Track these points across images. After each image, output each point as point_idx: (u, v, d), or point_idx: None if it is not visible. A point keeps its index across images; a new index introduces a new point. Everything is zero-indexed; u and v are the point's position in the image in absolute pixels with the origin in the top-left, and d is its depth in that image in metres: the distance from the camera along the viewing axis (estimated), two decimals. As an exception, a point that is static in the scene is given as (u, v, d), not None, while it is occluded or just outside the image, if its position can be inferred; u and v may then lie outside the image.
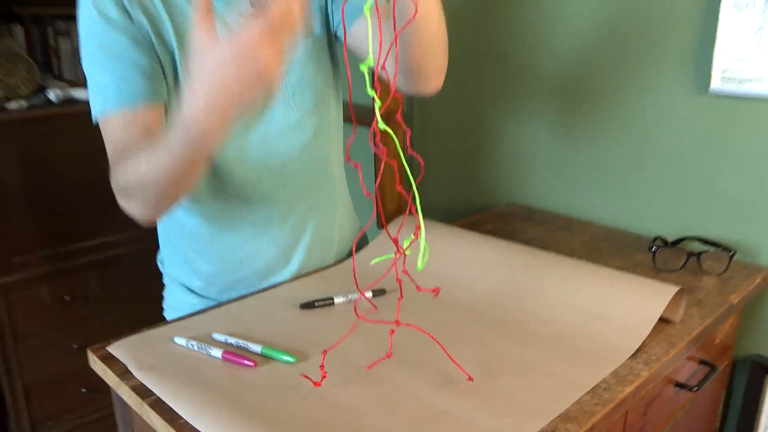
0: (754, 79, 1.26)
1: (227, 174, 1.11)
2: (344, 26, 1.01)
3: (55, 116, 2.02)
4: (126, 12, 0.97)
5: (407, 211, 0.81)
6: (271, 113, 1.11)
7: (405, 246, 0.78)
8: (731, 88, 1.29)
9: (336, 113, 1.24)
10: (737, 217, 1.36)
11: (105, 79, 0.97)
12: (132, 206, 0.95)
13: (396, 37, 0.78)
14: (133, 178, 0.90)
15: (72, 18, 2.26)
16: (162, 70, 1.02)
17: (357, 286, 0.97)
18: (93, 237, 2.13)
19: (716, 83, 1.31)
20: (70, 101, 2.08)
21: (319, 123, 1.18)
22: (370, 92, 0.71)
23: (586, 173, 1.59)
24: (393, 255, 0.81)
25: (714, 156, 1.37)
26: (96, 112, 0.99)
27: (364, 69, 0.71)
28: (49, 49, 2.23)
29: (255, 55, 0.71)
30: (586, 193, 1.60)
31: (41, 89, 2.09)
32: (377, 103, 0.72)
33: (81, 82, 2.25)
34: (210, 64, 0.74)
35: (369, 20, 0.72)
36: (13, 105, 1.95)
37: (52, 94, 2.04)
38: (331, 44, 1.20)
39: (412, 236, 0.78)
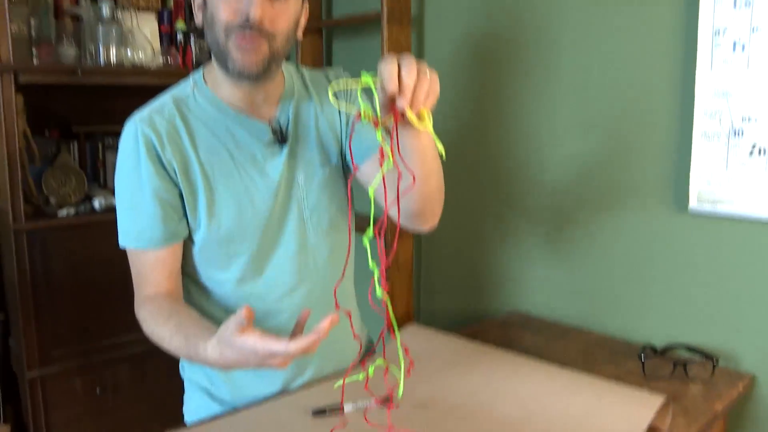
0: (725, 200, 1.39)
1: (245, 294, 1.23)
2: (353, 161, 1.20)
3: (97, 223, 2.21)
4: (159, 159, 1.14)
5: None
6: (289, 234, 1.24)
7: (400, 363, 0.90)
8: (707, 208, 1.42)
9: (348, 240, 1.33)
10: (719, 325, 1.46)
11: (127, 220, 1.17)
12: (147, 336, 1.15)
13: (398, 199, 0.92)
14: (147, 330, 1.14)
15: (118, 134, 2.49)
16: (183, 207, 1.18)
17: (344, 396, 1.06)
18: (126, 333, 2.26)
19: (693, 203, 1.44)
20: (113, 209, 2.27)
21: (333, 244, 1.30)
22: (371, 265, 0.87)
23: (580, 285, 1.71)
24: (395, 365, 0.92)
25: (695, 269, 1.48)
26: (120, 241, 1.18)
27: (366, 242, 0.87)
28: (97, 162, 2.46)
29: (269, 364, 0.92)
30: (581, 303, 1.71)
31: (88, 197, 2.30)
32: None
33: (124, 190, 2.46)
34: (232, 360, 0.93)
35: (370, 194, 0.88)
36: (63, 212, 2.15)
37: (97, 203, 2.24)
38: (346, 173, 1.33)
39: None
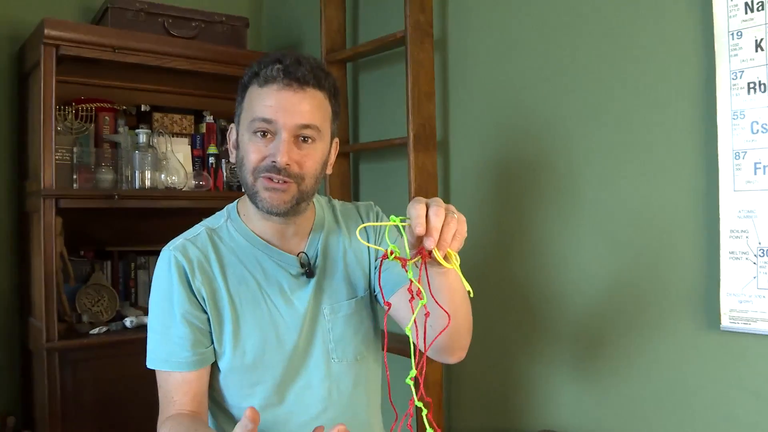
0: (759, 319, 1.40)
1: (269, 421, 1.24)
2: (382, 292, 1.24)
3: (127, 341, 2.22)
4: (189, 285, 1.20)
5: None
6: (314, 365, 1.26)
7: None
8: (740, 326, 1.43)
9: (374, 366, 1.37)
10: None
11: (158, 343, 1.20)
12: None
13: (425, 337, 0.94)
14: None
15: (150, 253, 2.56)
16: (210, 333, 1.22)
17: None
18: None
19: (726, 322, 1.45)
20: (143, 327, 2.30)
21: (358, 374, 1.32)
22: (417, 403, 0.89)
23: (611, 405, 1.69)
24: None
25: (729, 388, 1.48)
26: (148, 362, 1.22)
27: (409, 381, 0.89)
28: (129, 281, 2.51)
29: None
30: (613, 422, 1.69)
31: (120, 315, 2.33)
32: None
33: (153, 309, 2.50)
34: None
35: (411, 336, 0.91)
36: (94, 330, 2.18)
37: (128, 321, 2.27)
38: (372, 303, 1.37)
39: None
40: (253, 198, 1.19)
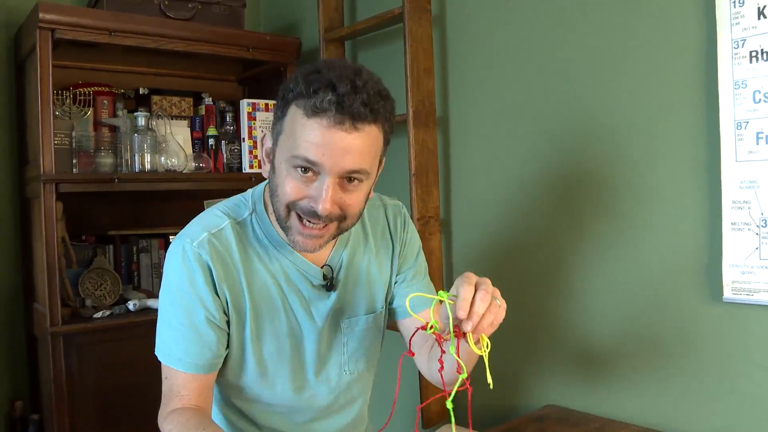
0: (761, 290, 1.40)
1: (272, 419, 1.25)
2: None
3: (131, 324, 2.23)
4: (213, 285, 1.12)
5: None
6: (326, 375, 1.25)
7: None
8: (742, 298, 1.43)
9: (373, 371, 1.37)
10: (757, 414, 1.43)
11: (175, 340, 1.13)
12: None
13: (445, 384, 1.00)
14: None
15: (152, 236, 2.56)
16: (228, 336, 1.16)
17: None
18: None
19: (728, 294, 1.45)
20: (146, 310, 2.30)
21: (366, 383, 1.34)
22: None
23: (613, 378, 1.69)
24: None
25: (732, 359, 1.47)
26: (159, 353, 1.15)
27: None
28: (131, 264, 2.51)
29: None
30: (619, 396, 1.69)
31: (123, 299, 2.34)
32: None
33: (156, 292, 2.50)
34: None
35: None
36: (98, 314, 2.18)
37: (131, 304, 2.27)
38: (386, 317, 1.35)
39: None
40: (285, 231, 1.11)
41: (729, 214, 1.44)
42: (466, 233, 2.10)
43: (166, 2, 2.37)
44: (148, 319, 2.24)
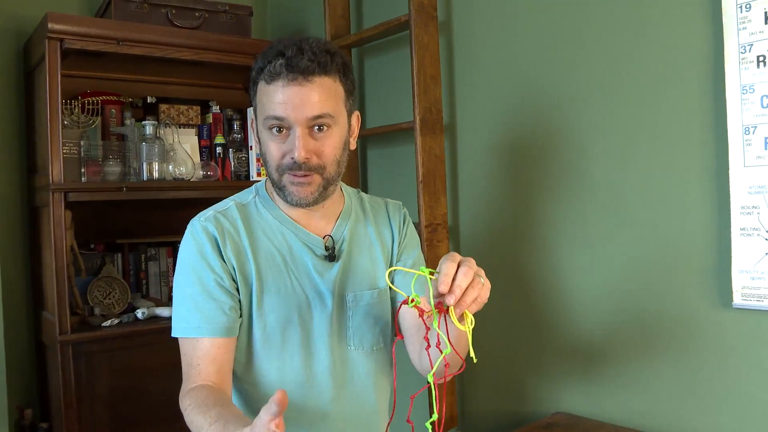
0: (771, 295, 1.39)
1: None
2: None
3: (139, 333, 2.24)
4: (220, 254, 1.21)
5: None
6: (332, 347, 1.27)
7: None
8: (752, 303, 1.42)
9: (388, 356, 1.37)
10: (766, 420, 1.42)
11: (190, 310, 1.19)
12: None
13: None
14: (187, 419, 1.11)
15: (160, 245, 2.57)
16: (239, 303, 1.22)
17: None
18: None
19: (738, 299, 1.44)
20: (154, 318, 2.31)
21: (373, 363, 1.33)
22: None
23: (623, 385, 1.68)
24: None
25: (741, 364, 1.46)
26: (176, 332, 1.21)
27: (428, 426, 0.93)
28: (140, 272, 2.52)
29: None
30: (628, 402, 1.68)
31: (131, 308, 2.34)
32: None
33: (164, 301, 2.51)
34: None
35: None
36: (107, 323, 2.19)
37: (140, 313, 2.28)
38: (393, 299, 1.37)
39: None
40: (282, 192, 1.22)
41: (738, 220, 1.43)
42: (473, 240, 2.10)
43: (174, 11, 2.38)
44: (156, 327, 2.26)
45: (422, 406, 2.01)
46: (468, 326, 0.97)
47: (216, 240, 1.21)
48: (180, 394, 1.18)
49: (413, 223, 1.46)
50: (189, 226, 1.25)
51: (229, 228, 1.23)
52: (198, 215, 1.26)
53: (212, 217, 1.24)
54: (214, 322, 1.18)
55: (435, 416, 0.93)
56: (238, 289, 1.22)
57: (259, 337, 1.23)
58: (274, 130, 1.17)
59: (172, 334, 1.21)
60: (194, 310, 1.18)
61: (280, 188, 1.21)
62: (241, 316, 1.22)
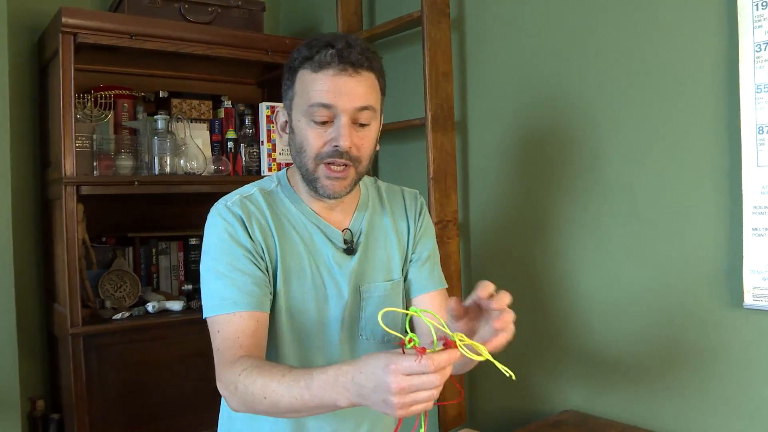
0: (783, 296, 1.38)
1: None
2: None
3: (150, 326, 2.25)
4: (248, 233, 1.21)
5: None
6: (345, 338, 1.28)
7: None
8: (764, 304, 1.41)
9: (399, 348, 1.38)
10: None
11: (225, 286, 1.17)
12: (232, 403, 1.08)
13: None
14: (245, 387, 1.04)
15: (171, 239, 2.58)
16: (269, 279, 1.22)
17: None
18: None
19: (749, 300, 1.43)
20: (164, 312, 2.32)
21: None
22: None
23: (632, 384, 1.68)
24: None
25: (753, 366, 1.46)
26: (211, 311, 1.18)
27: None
28: (150, 266, 2.53)
29: (407, 403, 0.85)
30: (637, 401, 1.67)
31: (142, 301, 2.36)
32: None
33: (175, 295, 2.52)
34: (375, 394, 0.87)
35: None
36: (117, 316, 2.20)
37: (150, 306, 2.29)
38: (406, 290, 1.38)
39: None
40: (313, 183, 1.22)
41: (750, 220, 1.42)
42: (484, 237, 2.10)
43: (186, 6, 2.39)
44: (166, 321, 2.27)
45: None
46: (486, 354, 0.94)
47: (243, 221, 1.21)
48: (219, 371, 1.12)
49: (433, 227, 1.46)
50: (213, 210, 1.24)
51: (255, 212, 1.23)
52: (222, 199, 1.25)
53: (238, 201, 1.24)
54: (252, 296, 1.17)
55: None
56: (267, 269, 1.22)
57: (280, 320, 1.23)
58: (317, 119, 1.17)
59: (206, 314, 1.18)
60: (230, 285, 1.17)
61: (311, 180, 1.21)
62: (271, 293, 1.22)
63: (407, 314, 0.92)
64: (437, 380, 0.84)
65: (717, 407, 1.52)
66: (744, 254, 1.43)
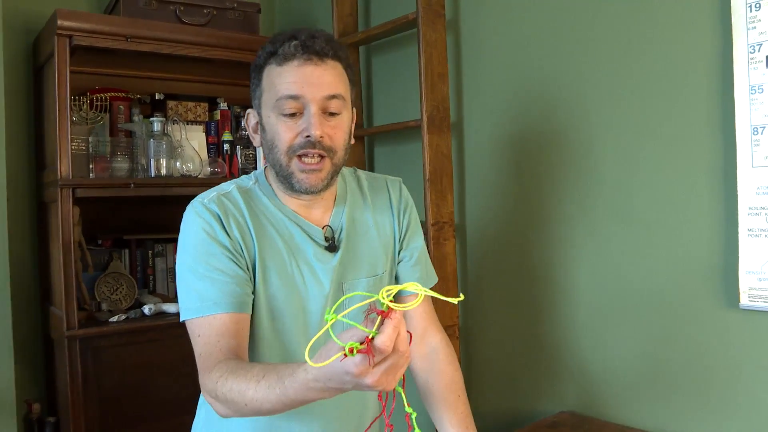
0: (778, 296, 1.38)
1: None
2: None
3: (146, 328, 2.25)
4: (226, 231, 1.18)
5: None
6: (328, 334, 1.26)
7: None
8: (759, 305, 1.41)
9: None
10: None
11: (205, 287, 1.14)
12: (219, 410, 1.08)
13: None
14: (224, 395, 1.04)
15: (168, 241, 2.58)
16: (249, 277, 1.20)
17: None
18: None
19: (744, 300, 1.44)
20: (161, 314, 2.32)
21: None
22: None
23: (628, 384, 1.68)
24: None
25: (749, 367, 1.46)
26: (190, 313, 1.15)
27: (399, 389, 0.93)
28: (147, 268, 2.53)
29: (386, 381, 0.87)
30: (633, 402, 1.68)
31: (138, 303, 2.35)
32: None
33: (171, 297, 2.52)
34: (338, 384, 0.89)
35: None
36: (114, 318, 2.20)
37: (147, 309, 2.29)
38: (391, 283, 1.36)
39: None
40: (288, 179, 1.19)
41: (745, 221, 1.42)
42: (480, 238, 2.10)
43: (182, 8, 2.39)
44: (163, 323, 2.27)
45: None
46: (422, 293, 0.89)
47: (220, 218, 1.18)
48: (201, 379, 1.12)
49: (419, 220, 1.44)
50: (190, 207, 1.21)
51: (232, 209, 1.20)
52: (199, 196, 1.23)
53: (215, 198, 1.21)
54: (233, 296, 1.14)
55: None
56: (247, 266, 1.20)
57: (260, 320, 1.21)
58: (286, 111, 1.15)
59: (184, 318, 1.16)
60: (210, 286, 1.14)
61: (286, 175, 1.19)
62: (252, 292, 1.20)
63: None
64: (401, 348, 0.87)
65: (713, 408, 1.53)
66: (739, 255, 1.44)
